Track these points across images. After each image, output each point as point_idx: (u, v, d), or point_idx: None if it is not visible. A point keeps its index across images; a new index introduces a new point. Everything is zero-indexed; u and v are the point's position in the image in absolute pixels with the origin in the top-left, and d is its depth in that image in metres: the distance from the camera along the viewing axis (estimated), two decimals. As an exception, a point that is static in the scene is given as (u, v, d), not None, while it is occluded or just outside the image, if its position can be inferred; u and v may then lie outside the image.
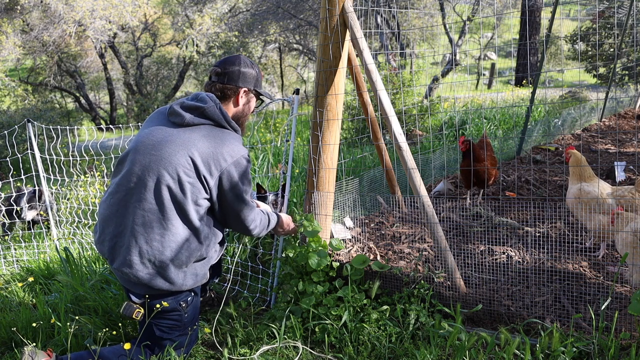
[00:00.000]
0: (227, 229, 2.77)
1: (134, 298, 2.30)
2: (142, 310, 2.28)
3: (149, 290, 2.26)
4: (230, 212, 2.34)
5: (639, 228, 2.50)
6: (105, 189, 2.25)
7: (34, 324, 2.72)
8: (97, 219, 2.40)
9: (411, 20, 16.45)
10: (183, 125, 2.25)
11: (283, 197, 3.10)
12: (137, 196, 2.20)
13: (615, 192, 3.07)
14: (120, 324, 2.64)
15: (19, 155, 4.66)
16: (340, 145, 3.69)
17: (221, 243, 2.46)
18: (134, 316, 2.26)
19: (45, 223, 5.14)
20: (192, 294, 2.38)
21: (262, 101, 2.59)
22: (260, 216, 2.49)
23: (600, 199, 2.95)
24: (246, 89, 2.43)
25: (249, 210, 2.39)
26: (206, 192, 2.23)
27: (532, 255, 3.05)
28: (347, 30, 2.80)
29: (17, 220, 5.14)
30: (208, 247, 2.31)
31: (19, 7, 15.57)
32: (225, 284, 3.31)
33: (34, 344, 2.61)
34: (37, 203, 5.10)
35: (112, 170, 2.40)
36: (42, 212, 5.15)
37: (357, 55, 2.96)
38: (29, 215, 5.09)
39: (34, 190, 5.14)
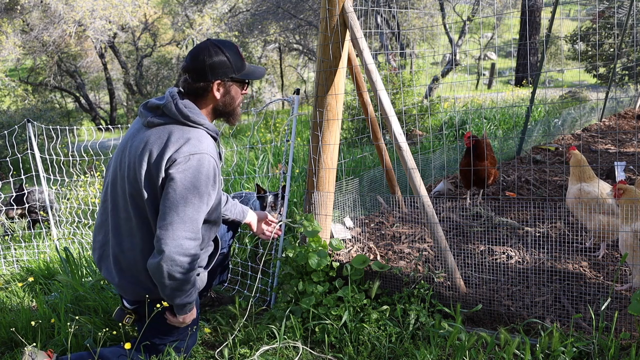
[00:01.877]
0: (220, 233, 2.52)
1: (126, 303, 2.28)
2: (133, 316, 2.26)
3: (136, 298, 2.22)
4: (159, 221, 1.99)
5: (639, 228, 2.50)
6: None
7: (34, 324, 2.72)
8: None
9: (411, 20, 16.45)
10: (147, 126, 2.12)
11: (283, 197, 3.10)
12: (113, 205, 2.17)
13: (615, 192, 3.07)
14: (120, 324, 2.64)
15: (19, 155, 4.66)
16: (340, 145, 3.69)
17: (217, 246, 2.41)
18: (124, 322, 2.25)
19: (45, 223, 5.13)
20: None
21: (248, 83, 2.27)
22: (195, 261, 2.05)
23: (600, 199, 2.95)
24: (219, 81, 2.14)
25: (184, 230, 1.98)
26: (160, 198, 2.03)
27: (532, 255, 3.05)
28: (347, 30, 2.80)
29: (17, 220, 5.13)
30: None
31: (19, 7, 15.59)
32: (225, 284, 3.31)
33: (34, 344, 2.62)
34: (33, 203, 5.09)
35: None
36: (42, 213, 5.15)
37: (357, 55, 2.96)
38: (9, 213, 5.10)
39: (32, 191, 5.13)
